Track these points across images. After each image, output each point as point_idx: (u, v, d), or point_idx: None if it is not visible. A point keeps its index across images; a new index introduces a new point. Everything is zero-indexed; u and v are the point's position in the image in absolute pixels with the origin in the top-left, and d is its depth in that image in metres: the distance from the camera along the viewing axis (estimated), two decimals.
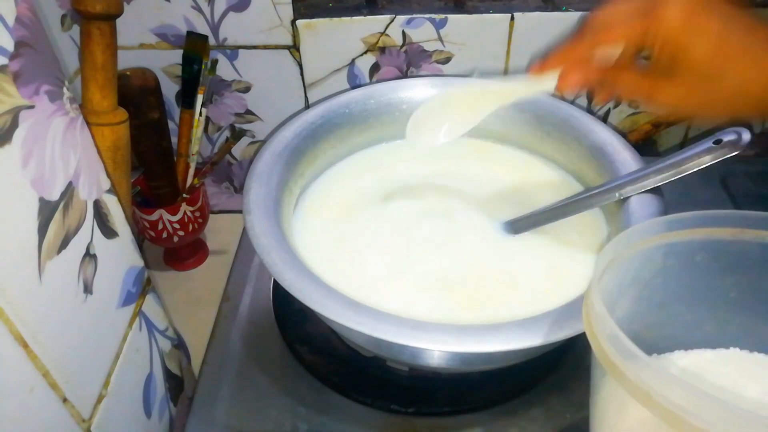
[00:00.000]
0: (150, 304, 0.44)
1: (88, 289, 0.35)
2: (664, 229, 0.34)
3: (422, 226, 0.49)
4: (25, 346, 0.29)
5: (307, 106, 0.65)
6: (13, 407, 0.29)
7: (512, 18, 0.59)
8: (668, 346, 0.38)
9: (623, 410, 0.31)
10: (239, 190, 0.74)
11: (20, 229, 0.29)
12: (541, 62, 0.41)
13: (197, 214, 0.63)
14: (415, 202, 0.52)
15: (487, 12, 0.59)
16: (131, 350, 0.41)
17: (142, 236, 0.63)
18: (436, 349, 0.37)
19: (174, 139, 0.61)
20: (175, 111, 0.65)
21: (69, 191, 0.33)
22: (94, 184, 0.36)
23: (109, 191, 0.38)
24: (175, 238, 0.62)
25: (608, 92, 0.41)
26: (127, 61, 0.59)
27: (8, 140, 0.27)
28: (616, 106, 0.66)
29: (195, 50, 0.58)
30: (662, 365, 0.26)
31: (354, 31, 0.60)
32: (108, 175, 0.38)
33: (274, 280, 0.42)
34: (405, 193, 0.53)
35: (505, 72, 0.63)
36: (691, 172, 0.41)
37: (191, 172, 0.62)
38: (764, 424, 0.22)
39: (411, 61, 0.62)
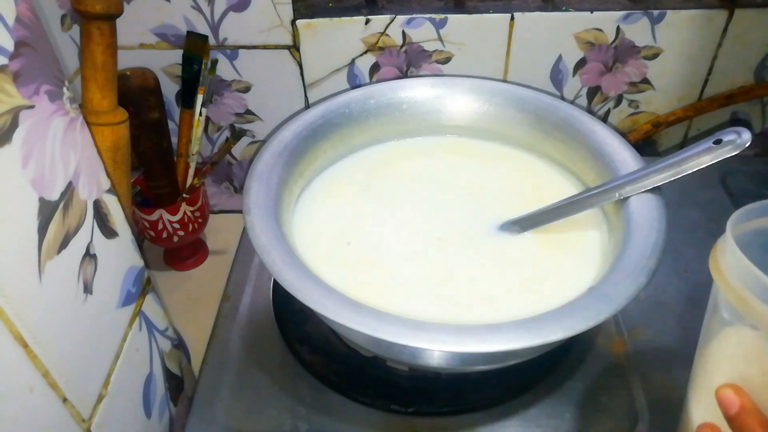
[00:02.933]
0: (150, 304, 0.44)
1: (88, 289, 0.35)
2: None
3: (422, 225, 0.49)
4: (25, 346, 0.29)
5: (307, 106, 0.65)
6: (13, 407, 0.29)
7: (512, 18, 0.59)
8: None
9: (745, 360, 0.31)
10: (239, 190, 0.74)
11: (20, 229, 0.29)
12: None
13: (197, 214, 0.63)
14: (415, 202, 0.52)
15: (487, 12, 0.59)
16: (131, 350, 0.41)
17: (142, 236, 0.63)
18: (436, 349, 0.37)
19: (174, 139, 0.61)
20: (175, 111, 0.65)
21: (69, 191, 0.33)
22: (94, 184, 0.36)
23: (109, 191, 0.38)
24: (175, 238, 0.62)
25: None
26: (127, 61, 0.59)
27: (8, 140, 0.27)
28: (616, 106, 0.66)
29: (195, 50, 0.58)
30: None
31: (354, 31, 0.60)
32: (108, 175, 0.38)
33: (274, 280, 0.42)
34: (405, 193, 0.53)
35: (505, 72, 0.63)
36: (691, 172, 0.41)
37: (191, 172, 0.62)
38: None
39: (411, 61, 0.62)
